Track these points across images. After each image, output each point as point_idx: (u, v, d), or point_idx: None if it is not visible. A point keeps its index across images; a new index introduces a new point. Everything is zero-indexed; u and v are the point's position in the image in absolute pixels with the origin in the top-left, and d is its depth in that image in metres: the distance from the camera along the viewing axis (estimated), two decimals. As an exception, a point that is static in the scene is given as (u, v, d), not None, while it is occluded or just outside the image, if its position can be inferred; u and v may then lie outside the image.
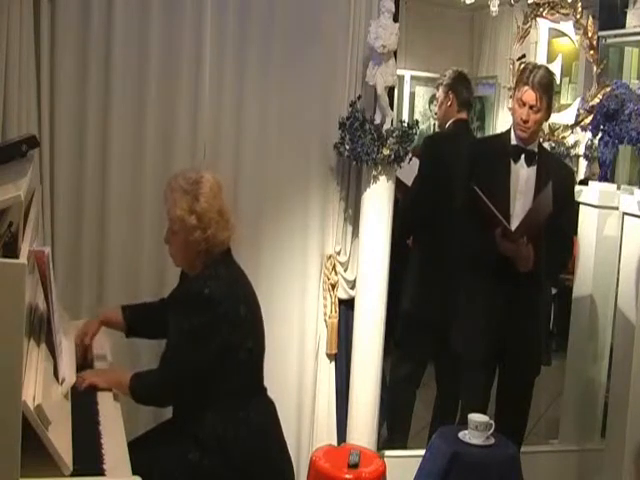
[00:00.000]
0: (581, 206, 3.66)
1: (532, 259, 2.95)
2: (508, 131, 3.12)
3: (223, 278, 2.39)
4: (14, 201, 1.81)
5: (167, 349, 2.42)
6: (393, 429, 3.86)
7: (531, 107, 2.97)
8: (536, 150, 3.08)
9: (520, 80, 3.03)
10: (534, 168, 3.05)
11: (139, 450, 2.13)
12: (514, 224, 2.95)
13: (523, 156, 3.05)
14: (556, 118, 4.06)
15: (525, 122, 2.99)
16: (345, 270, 3.41)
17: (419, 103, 6.82)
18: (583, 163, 4.82)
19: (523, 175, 3.05)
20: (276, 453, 2.51)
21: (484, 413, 2.91)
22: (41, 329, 2.15)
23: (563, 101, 5.00)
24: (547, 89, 2.99)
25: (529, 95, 2.97)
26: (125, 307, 2.68)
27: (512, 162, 3.05)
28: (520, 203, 3.03)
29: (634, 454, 3.34)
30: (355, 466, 3.03)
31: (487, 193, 2.88)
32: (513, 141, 3.07)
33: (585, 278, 3.72)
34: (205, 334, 2.32)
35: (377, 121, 3.23)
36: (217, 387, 2.37)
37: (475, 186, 2.88)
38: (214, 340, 2.33)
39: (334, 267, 3.39)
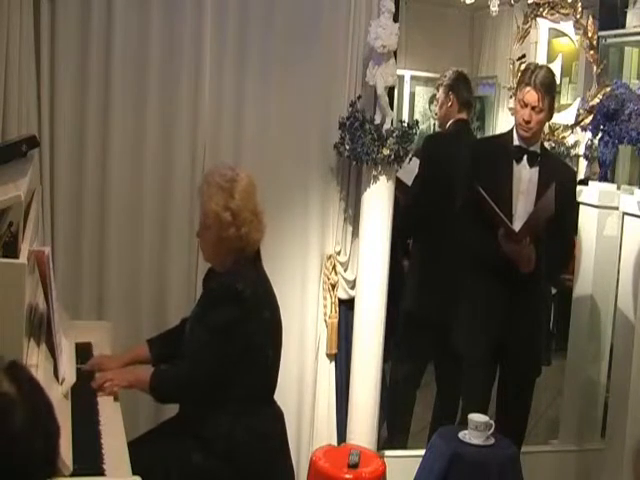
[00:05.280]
0: (581, 206, 3.66)
1: (534, 260, 2.94)
2: (510, 131, 3.10)
3: (252, 278, 2.40)
4: (14, 201, 1.81)
5: (195, 345, 2.39)
6: (393, 429, 3.86)
7: (533, 108, 2.95)
8: (539, 151, 3.07)
9: (522, 81, 3.02)
10: (536, 169, 3.04)
11: (139, 450, 2.13)
12: (516, 225, 2.95)
13: (525, 157, 3.04)
14: (556, 118, 4.05)
15: (527, 123, 2.97)
16: (345, 270, 3.41)
17: (419, 103, 6.82)
18: (583, 163, 4.81)
19: (525, 176, 3.04)
20: (280, 458, 2.51)
21: (484, 413, 2.91)
22: (41, 329, 2.15)
23: (563, 101, 4.99)
24: (549, 89, 2.98)
25: (531, 96, 2.96)
26: (150, 340, 2.65)
27: (514, 163, 3.04)
28: (522, 204, 3.02)
29: (634, 454, 3.34)
30: (355, 466, 3.03)
31: (489, 193, 2.88)
32: (515, 141, 3.06)
33: (585, 278, 3.72)
34: (234, 330, 2.32)
35: (377, 121, 3.22)
36: (232, 389, 2.36)
37: (477, 186, 2.88)
38: (240, 337, 2.33)
39: (334, 267, 3.39)
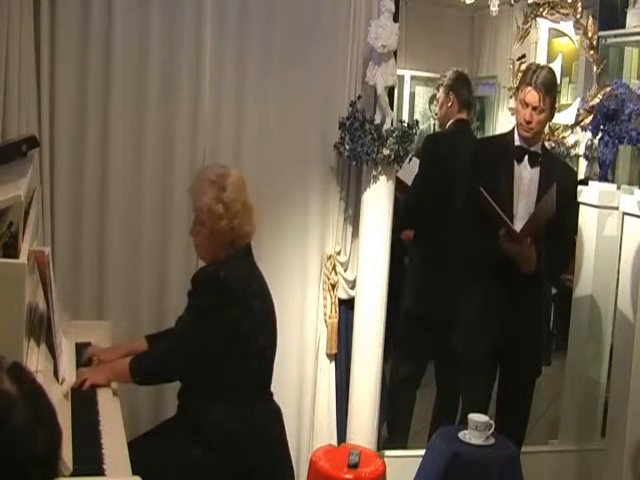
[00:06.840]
0: (581, 206, 3.65)
1: (535, 260, 2.94)
2: (511, 131, 3.10)
3: (241, 270, 2.44)
4: (14, 201, 1.81)
5: (177, 325, 2.47)
6: (393, 429, 3.86)
7: (534, 108, 2.95)
8: (540, 151, 3.07)
9: (523, 81, 3.02)
10: (537, 169, 3.04)
11: (139, 450, 2.13)
12: (517, 225, 2.95)
13: (526, 157, 3.04)
14: (556, 118, 4.06)
15: (528, 123, 2.97)
16: (345, 270, 3.41)
17: (419, 103, 6.81)
18: (583, 163, 4.82)
19: (526, 176, 3.04)
20: (278, 454, 2.51)
21: (484, 413, 2.91)
22: (41, 329, 2.15)
23: (563, 101, 4.99)
24: (550, 89, 2.98)
25: (532, 96, 2.95)
26: (149, 337, 2.67)
27: (515, 163, 3.04)
28: (523, 204, 3.02)
29: (634, 454, 3.34)
30: (355, 466, 3.03)
31: (490, 193, 2.88)
32: (517, 142, 3.05)
33: (585, 278, 3.72)
34: (214, 316, 2.35)
35: (377, 121, 3.22)
36: (224, 376, 2.38)
37: (479, 187, 2.88)
38: (223, 324, 2.36)
39: (334, 267, 3.39)
